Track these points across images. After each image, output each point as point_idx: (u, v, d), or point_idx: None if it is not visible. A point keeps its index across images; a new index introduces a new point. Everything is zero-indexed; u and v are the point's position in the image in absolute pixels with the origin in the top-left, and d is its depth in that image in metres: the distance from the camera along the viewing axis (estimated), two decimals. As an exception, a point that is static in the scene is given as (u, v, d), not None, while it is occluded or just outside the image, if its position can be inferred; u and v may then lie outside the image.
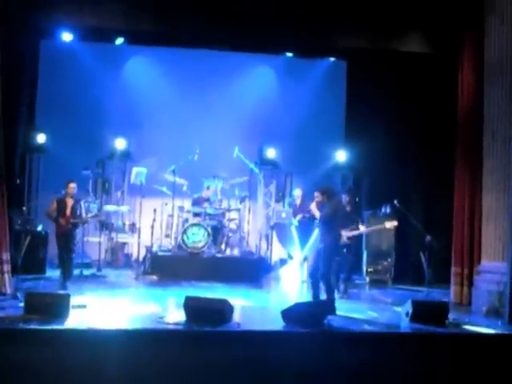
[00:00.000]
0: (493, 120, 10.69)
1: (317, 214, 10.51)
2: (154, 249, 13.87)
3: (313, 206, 10.62)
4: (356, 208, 11.98)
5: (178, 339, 8.16)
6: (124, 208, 14.71)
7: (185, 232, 13.56)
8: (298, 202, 14.58)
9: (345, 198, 11.94)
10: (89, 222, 12.93)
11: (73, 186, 11.57)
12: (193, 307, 8.75)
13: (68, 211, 11.44)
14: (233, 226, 14.52)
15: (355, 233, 11.84)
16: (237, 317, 9.14)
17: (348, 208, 11.86)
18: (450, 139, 12.28)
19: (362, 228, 12.10)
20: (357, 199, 11.99)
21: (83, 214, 11.81)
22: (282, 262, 14.32)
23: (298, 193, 14.73)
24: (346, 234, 11.52)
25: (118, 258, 14.52)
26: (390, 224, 11.89)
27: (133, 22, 12.01)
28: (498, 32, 10.69)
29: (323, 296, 10.31)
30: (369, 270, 13.95)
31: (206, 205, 14.15)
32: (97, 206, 14.32)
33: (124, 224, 14.88)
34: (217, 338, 8.13)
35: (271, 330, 9.00)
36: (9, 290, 10.23)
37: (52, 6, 11.47)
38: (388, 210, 13.59)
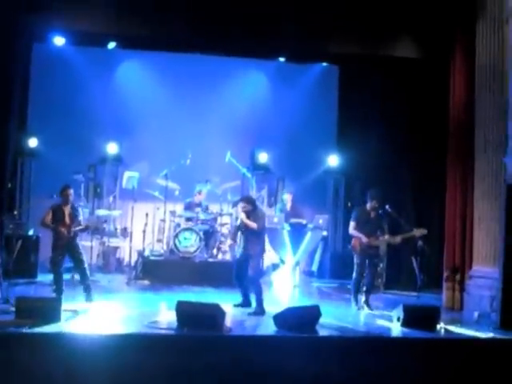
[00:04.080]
0: (484, 125, 10.72)
1: (252, 224, 10.46)
2: (146, 253, 13.83)
3: (243, 217, 10.57)
4: (380, 215, 11.56)
5: (169, 344, 8.15)
6: (116, 212, 14.68)
7: (177, 236, 13.54)
8: (288, 206, 14.60)
9: (370, 205, 11.37)
10: (91, 228, 12.73)
11: (70, 192, 10.59)
12: (184, 312, 8.74)
13: (67, 219, 10.42)
14: (225, 230, 14.51)
15: (382, 241, 11.55)
16: (228, 321, 9.15)
17: (372, 214, 11.35)
18: (442, 144, 12.32)
19: (387, 237, 11.45)
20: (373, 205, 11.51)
21: (82, 221, 10.79)
22: (274, 266, 14.30)
23: (287, 197, 14.76)
24: (371, 242, 11.22)
25: (109, 262, 14.46)
26: (419, 232, 11.36)
27: (125, 26, 12.02)
28: (489, 36, 10.72)
29: (253, 298, 10.52)
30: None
31: (197, 209, 14.14)
32: (88, 210, 14.29)
33: (116, 228, 14.84)
34: (208, 343, 8.12)
35: (263, 334, 9.03)
36: (0, 295, 10.18)
37: (44, 9, 11.45)
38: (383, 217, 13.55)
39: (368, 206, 11.40)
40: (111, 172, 15.40)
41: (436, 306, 10.49)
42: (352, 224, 11.42)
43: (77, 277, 10.97)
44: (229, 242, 11.36)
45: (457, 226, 11.68)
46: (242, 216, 10.56)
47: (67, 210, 10.46)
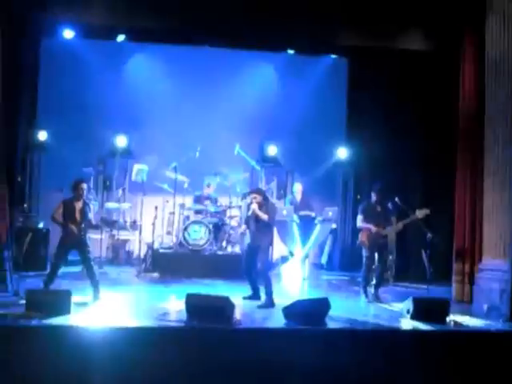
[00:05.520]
0: (494, 119, 10.67)
1: (263, 216, 10.49)
2: (156, 246, 13.87)
3: (255, 207, 10.57)
4: (386, 208, 11.63)
5: (179, 336, 8.17)
6: (125, 205, 14.70)
7: (186, 229, 13.56)
8: (299, 197, 14.59)
9: (374, 198, 11.57)
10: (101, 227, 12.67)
11: (84, 186, 10.24)
12: (194, 304, 8.76)
13: (78, 216, 10.12)
14: (234, 223, 14.51)
15: (389, 230, 11.56)
16: (238, 314, 9.17)
17: (378, 208, 11.50)
18: (452, 137, 12.28)
19: (395, 225, 11.63)
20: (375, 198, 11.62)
21: (92, 218, 10.55)
22: (283, 259, 14.32)
23: (298, 188, 14.72)
24: (379, 232, 11.34)
25: (119, 255, 14.51)
26: (422, 213, 11.32)
27: (134, 19, 12.03)
28: (499, 30, 10.64)
29: (262, 291, 10.51)
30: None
31: (207, 202, 14.15)
32: (98, 203, 14.33)
33: (125, 221, 14.87)
34: (218, 336, 8.13)
35: (272, 327, 9.04)
36: (10, 287, 10.23)
37: (53, 3, 11.48)
38: (390, 208, 13.54)
39: (373, 198, 11.50)
40: (120, 165, 15.39)
41: (446, 298, 10.45)
42: (359, 217, 11.53)
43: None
44: (242, 227, 11.35)
45: (466, 218, 11.66)
46: (254, 206, 10.56)
47: (78, 205, 10.18)
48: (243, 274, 11.00)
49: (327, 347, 8.08)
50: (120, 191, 14.70)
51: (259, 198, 10.62)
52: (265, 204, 10.61)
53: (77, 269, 12.00)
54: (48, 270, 10.38)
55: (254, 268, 10.57)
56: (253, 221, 10.66)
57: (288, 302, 9.33)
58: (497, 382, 8.21)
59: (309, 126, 15.86)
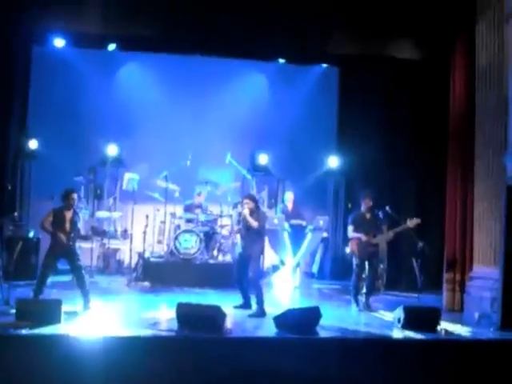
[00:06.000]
0: (485, 125, 10.71)
1: (253, 223, 10.46)
2: (146, 255, 13.82)
3: (246, 212, 10.56)
4: (376, 216, 11.65)
5: (169, 345, 8.15)
6: (116, 214, 14.66)
7: (177, 238, 13.53)
8: (290, 205, 14.60)
9: (364, 207, 11.54)
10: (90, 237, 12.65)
11: (74, 196, 10.26)
12: (185, 314, 8.75)
13: (67, 225, 10.09)
14: (225, 232, 14.49)
15: (379, 239, 11.56)
16: (229, 323, 9.15)
17: (368, 216, 11.53)
18: (442, 145, 12.32)
19: (385, 233, 11.63)
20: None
21: (81, 228, 10.69)
22: (275, 268, 14.31)
23: (289, 196, 14.75)
24: (370, 240, 11.35)
25: (109, 264, 14.46)
26: (412, 223, 11.29)
27: (125, 28, 12.02)
28: (489, 37, 10.70)
29: (253, 300, 10.52)
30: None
31: (197, 211, 14.14)
32: (89, 212, 14.30)
33: (116, 230, 14.83)
34: (209, 345, 8.12)
35: (263, 336, 9.03)
36: (0, 297, 10.18)
37: (44, 11, 11.46)
38: (380, 216, 13.55)
39: (362, 208, 11.55)
40: (111, 174, 15.35)
41: (436, 307, 10.47)
42: (350, 228, 11.57)
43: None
44: (236, 228, 11.33)
45: (457, 226, 11.69)
46: (246, 212, 10.55)
47: (68, 214, 10.17)
48: (234, 282, 10.99)
49: (318, 356, 8.08)
50: (111, 200, 14.67)
51: (251, 204, 10.61)
52: (256, 211, 10.61)
53: (67, 278, 11.99)
54: (37, 279, 10.31)
55: (245, 277, 10.55)
56: (244, 229, 10.66)
57: (279, 311, 9.34)
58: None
59: (300, 134, 15.87)
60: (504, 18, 10.45)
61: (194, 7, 11.79)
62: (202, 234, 13.65)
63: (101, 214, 14.62)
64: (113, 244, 14.61)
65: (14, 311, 8.85)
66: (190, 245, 13.50)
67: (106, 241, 14.42)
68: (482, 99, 10.82)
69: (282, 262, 14.06)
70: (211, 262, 13.83)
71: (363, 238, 11.30)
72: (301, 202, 15.03)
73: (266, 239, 12.78)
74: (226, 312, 8.95)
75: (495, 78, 10.57)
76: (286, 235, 14.03)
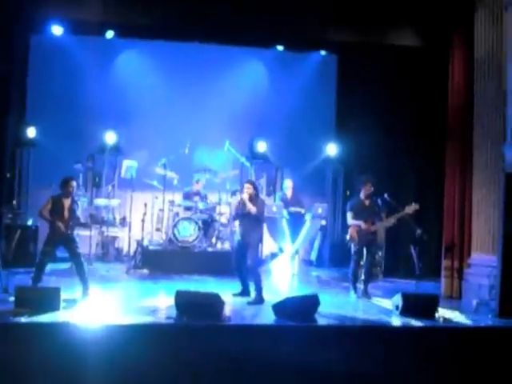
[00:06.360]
0: (483, 114, 10.71)
1: (252, 208, 10.46)
2: (145, 243, 13.83)
3: (246, 197, 10.54)
4: (375, 202, 11.63)
5: (168, 333, 8.17)
6: (114, 202, 14.65)
7: (175, 226, 13.54)
8: (289, 193, 14.60)
9: (363, 193, 11.52)
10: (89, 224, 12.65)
11: (73, 184, 10.22)
12: (183, 301, 8.76)
13: (66, 213, 10.05)
14: (223, 219, 14.50)
15: (378, 226, 11.59)
16: (227, 311, 9.17)
17: (367, 202, 11.51)
18: (441, 133, 12.31)
19: (385, 220, 11.60)
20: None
21: (80, 216, 10.63)
22: (273, 255, 14.32)
23: (288, 183, 14.74)
24: (368, 227, 11.35)
25: (108, 252, 14.45)
26: (411, 208, 11.21)
27: (123, 15, 11.96)
28: (488, 26, 10.69)
29: (252, 287, 10.53)
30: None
31: (196, 198, 14.14)
32: (87, 200, 14.30)
33: (115, 218, 14.82)
34: (208, 332, 8.14)
35: (262, 323, 9.04)
36: (-1, 284, 10.21)
37: (42, -1, 11.45)
38: (379, 203, 13.54)
39: (361, 194, 11.52)
40: (110, 161, 15.32)
41: (435, 294, 10.49)
42: (349, 214, 11.53)
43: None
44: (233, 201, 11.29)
45: (455, 213, 11.71)
46: (245, 196, 10.55)
47: (67, 202, 10.14)
48: (233, 270, 11.00)
49: (317, 343, 8.10)
50: (109, 188, 14.66)
51: (251, 190, 10.60)
52: (255, 198, 10.61)
53: (66, 266, 12.01)
54: (35, 267, 10.28)
55: (243, 264, 10.56)
56: (243, 216, 10.65)
57: (278, 298, 9.37)
58: (486, 377, 8.23)
59: (298, 122, 15.87)
60: (503, 7, 10.43)
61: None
62: (200, 222, 13.65)
63: (99, 201, 14.61)
64: (111, 232, 14.60)
65: (12, 299, 8.86)
66: (189, 232, 13.51)
67: (104, 228, 14.41)
68: (481, 88, 10.82)
69: (281, 250, 14.06)
70: (210, 249, 13.84)
71: (363, 225, 11.31)
72: (299, 190, 15.03)
73: (265, 227, 12.80)
74: (224, 299, 8.97)
75: (494, 68, 10.56)
76: (284, 223, 14.02)
